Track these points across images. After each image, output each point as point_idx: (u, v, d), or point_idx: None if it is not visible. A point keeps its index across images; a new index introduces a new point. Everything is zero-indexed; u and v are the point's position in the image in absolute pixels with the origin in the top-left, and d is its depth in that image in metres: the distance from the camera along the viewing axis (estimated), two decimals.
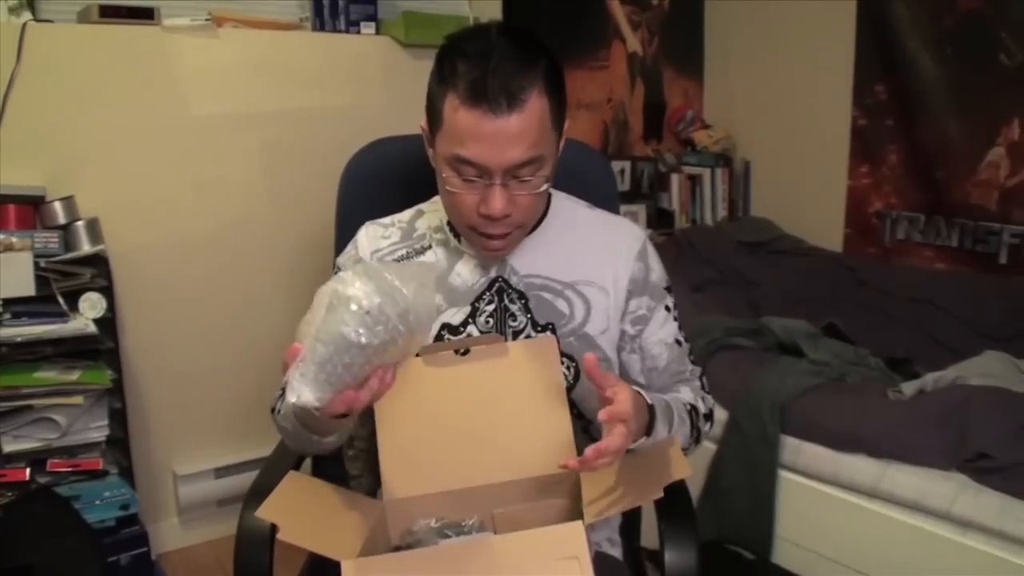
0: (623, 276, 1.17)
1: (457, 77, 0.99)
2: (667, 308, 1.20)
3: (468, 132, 0.99)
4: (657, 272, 1.20)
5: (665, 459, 1.00)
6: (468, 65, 0.98)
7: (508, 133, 0.98)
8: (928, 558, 1.79)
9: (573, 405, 1.15)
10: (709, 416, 1.21)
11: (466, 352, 1.08)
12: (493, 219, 1.03)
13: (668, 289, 1.22)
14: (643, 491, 0.96)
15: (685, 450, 1.13)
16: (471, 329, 1.15)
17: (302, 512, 1.00)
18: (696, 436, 1.16)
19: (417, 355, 1.12)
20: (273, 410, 1.14)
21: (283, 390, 1.11)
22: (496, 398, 1.07)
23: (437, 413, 1.07)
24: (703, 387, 1.24)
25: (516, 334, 1.15)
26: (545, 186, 1.05)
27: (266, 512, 0.96)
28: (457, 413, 1.07)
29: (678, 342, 1.21)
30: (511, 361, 1.07)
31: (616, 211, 1.34)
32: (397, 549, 1.01)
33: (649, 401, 1.05)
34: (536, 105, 0.99)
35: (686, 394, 1.18)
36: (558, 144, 1.08)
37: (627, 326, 1.18)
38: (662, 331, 1.19)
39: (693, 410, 1.16)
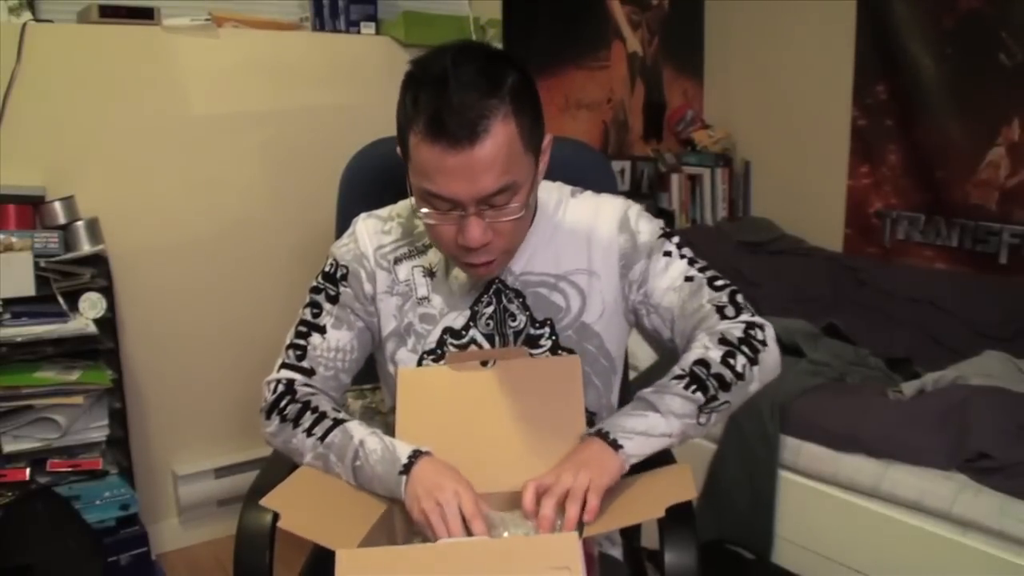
0: (612, 254, 1.15)
1: (418, 111, 0.96)
2: (666, 254, 1.14)
3: (433, 168, 0.96)
4: (645, 231, 1.15)
5: (670, 481, 1.01)
6: (426, 97, 0.95)
7: (474, 165, 0.95)
8: (928, 558, 1.79)
9: None
10: (737, 349, 1.06)
11: (492, 363, 1.09)
12: (472, 249, 1.02)
13: (664, 236, 1.16)
14: (644, 509, 0.97)
15: (711, 404, 1.05)
16: (473, 333, 1.14)
17: (307, 504, 1.01)
18: (719, 384, 1.04)
19: (437, 361, 1.14)
20: (273, 411, 1.11)
21: (303, 404, 1.10)
22: (514, 412, 1.07)
23: (454, 421, 1.08)
24: (728, 314, 1.10)
25: (516, 334, 1.14)
26: (523, 212, 1.02)
27: (271, 501, 0.97)
28: (474, 422, 1.08)
29: (688, 279, 1.13)
30: (533, 376, 1.08)
31: None
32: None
33: (593, 431, 1.03)
34: (501, 132, 0.95)
35: (695, 349, 1.08)
36: (535, 165, 1.04)
37: (635, 294, 1.15)
38: (665, 278, 1.14)
39: (699, 364, 1.05)
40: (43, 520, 1.72)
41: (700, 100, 3.46)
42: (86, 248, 1.99)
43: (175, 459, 2.32)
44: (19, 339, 1.83)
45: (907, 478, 1.82)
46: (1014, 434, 1.76)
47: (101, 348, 1.99)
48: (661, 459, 1.06)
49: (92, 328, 1.92)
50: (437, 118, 0.94)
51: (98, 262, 1.99)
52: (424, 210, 1.02)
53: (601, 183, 1.39)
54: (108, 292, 1.99)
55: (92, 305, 1.95)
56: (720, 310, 1.11)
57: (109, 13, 2.05)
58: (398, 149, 1.05)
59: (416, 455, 1.01)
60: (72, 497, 1.83)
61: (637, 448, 1.01)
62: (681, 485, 0.98)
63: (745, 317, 1.11)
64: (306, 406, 1.10)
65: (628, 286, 1.16)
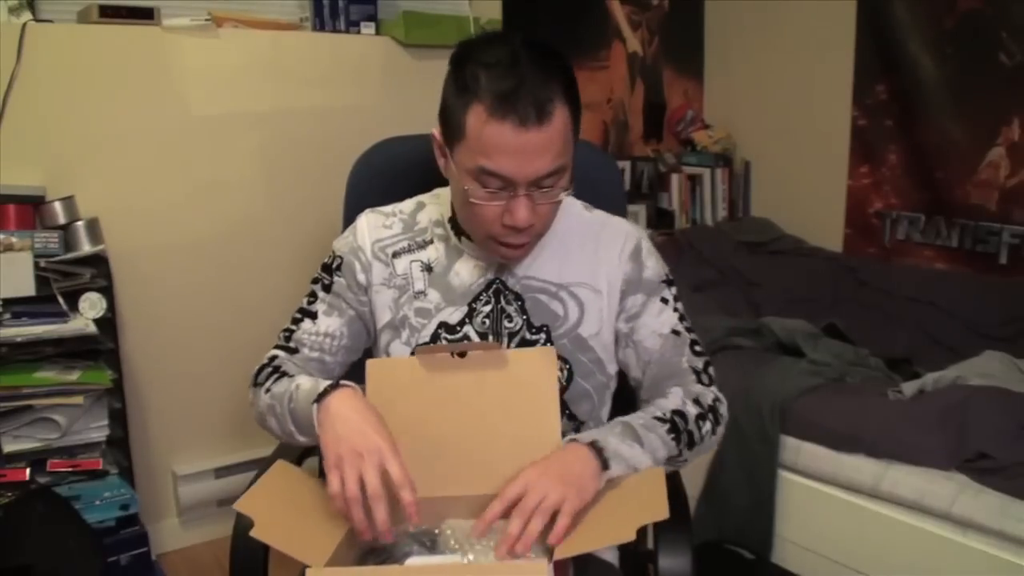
0: (617, 277, 1.16)
1: (481, 88, 0.97)
2: (663, 300, 1.17)
3: (495, 145, 0.98)
4: (652, 268, 1.18)
5: (643, 499, 0.96)
6: (494, 75, 0.97)
7: (536, 145, 0.97)
8: (928, 558, 1.79)
9: (566, 407, 1.15)
10: (707, 415, 1.11)
11: (463, 355, 1.08)
12: (517, 229, 1.03)
13: (667, 282, 1.19)
14: (616, 531, 0.94)
15: (677, 458, 1.08)
16: (467, 329, 1.15)
17: (282, 507, 0.99)
18: (688, 440, 1.07)
19: (412, 354, 1.13)
20: (256, 383, 1.14)
21: (274, 367, 1.12)
22: (488, 408, 1.06)
23: (428, 420, 1.06)
24: (703, 381, 1.15)
25: (512, 336, 1.15)
26: (564, 194, 1.05)
27: (244, 505, 0.94)
28: (448, 421, 1.06)
29: (675, 332, 1.16)
30: (508, 370, 1.06)
31: (623, 210, 1.33)
32: (372, 551, 1.01)
33: (586, 441, 1.01)
34: (560, 116, 0.99)
35: (671, 399, 1.11)
36: (574, 151, 1.08)
37: (621, 324, 1.17)
38: (655, 322, 1.16)
39: (677, 415, 1.08)
40: (43, 520, 1.72)
41: (700, 100, 3.46)
42: (86, 248, 1.99)
43: (175, 459, 2.32)
44: (19, 339, 1.83)
45: (907, 478, 1.82)
46: (1014, 434, 1.77)
47: (101, 348, 1.98)
48: None
49: (92, 328, 1.92)
50: (510, 95, 0.96)
51: (98, 262, 1.99)
52: (469, 187, 1.02)
53: (608, 183, 1.40)
54: (108, 292, 1.99)
55: (92, 305, 1.95)
56: (696, 374, 1.15)
57: (109, 13, 2.05)
58: (434, 131, 1.06)
59: (335, 386, 1.00)
60: (72, 497, 1.83)
61: (617, 472, 1.01)
62: (654, 502, 0.94)
63: (714, 390, 1.15)
64: (276, 370, 1.12)
65: (618, 316, 1.17)
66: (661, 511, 0.91)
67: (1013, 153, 2.53)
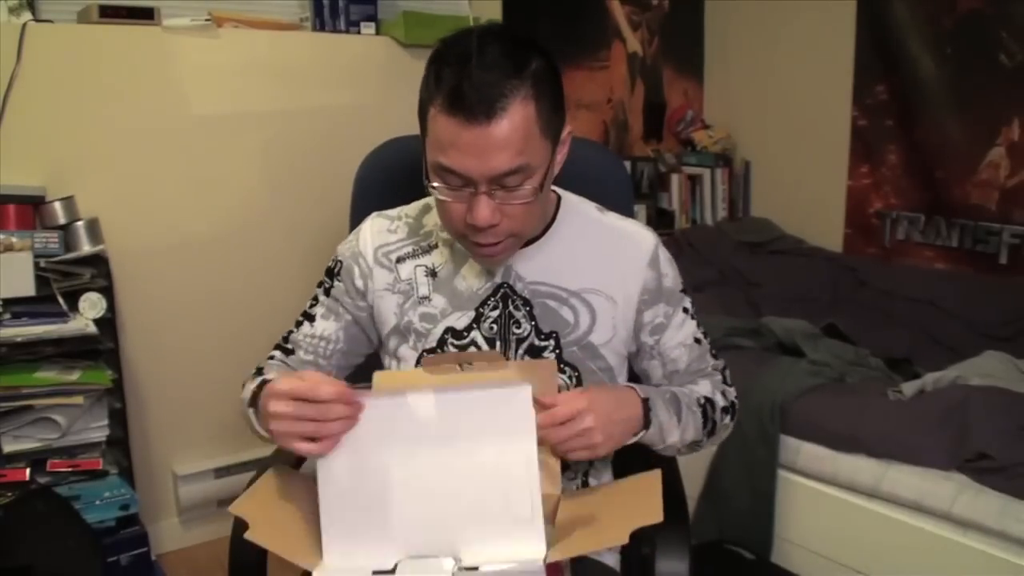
0: (634, 286, 1.15)
1: (440, 84, 0.97)
2: (684, 310, 1.19)
3: (448, 141, 0.96)
4: (671, 277, 1.18)
5: (638, 502, 0.96)
6: (449, 72, 0.96)
7: (488, 142, 0.95)
8: (928, 558, 1.79)
9: None
10: (729, 409, 1.20)
11: (468, 363, 1.03)
12: (480, 229, 1.01)
13: (684, 291, 1.20)
14: (611, 534, 0.94)
15: (698, 443, 1.16)
16: (475, 335, 1.13)
17: (277, 509, 0.99)
18: (711, 428, 1.16)
19: (419, 360, 1.12)
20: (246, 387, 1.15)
21: (257, 370, 1.15)
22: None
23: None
24: (725, 380, 1.23)
25: (520, 342, 1.13)
26: (534, 197, 1.01)
27: (240, 508, 0.95)
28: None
29: (697, 341, 1.20)
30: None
31: (630, 211, 1.32)
32: None
33: (642, 395, 1.06)
34: (519, 112, 0.95)
35: (703, 387, 1.18)
36: (553, 151, 1.04)
37: (646, 337, 1.17)
38: (680, 334, 1.18)
39: (708, 402, 1.16)
40: (43, 520, 1.72)
41: (700, 100, 3.46)
42: (86, 248, 1.99)
43: (175, 459, 2.32)
44: (19, 339, 1.83)
45: (907, 478, 1.82)
46: (1014, 434, 1.77)
47: (101, 348, 1.98)
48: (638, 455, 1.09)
49: (92, 328, 1.92)
50: (457, 93, 0.94)
51: (98, 262, 1.99)
52: (436, 184, 1.02)
53: (615, 183, 1.40)
54: (108, 292, 1.99)
55: (92, 305, 1.95)
56: (721, 373, 1.24)
57: (109, 13, 2.05)
58: (420, 128, 1.06)
59: (262, 385, 1.03)
60: (72, 497, 1.83)
61: (648, 437, 1.07)
62: (649, 505, 0.94)
63: (734, 390, 1.24)
64: (257, 372, 1.14)
65: (641, 326, 1.17)
66: (656, 514, 0.92)
67: (1013, 153, 2.53)
